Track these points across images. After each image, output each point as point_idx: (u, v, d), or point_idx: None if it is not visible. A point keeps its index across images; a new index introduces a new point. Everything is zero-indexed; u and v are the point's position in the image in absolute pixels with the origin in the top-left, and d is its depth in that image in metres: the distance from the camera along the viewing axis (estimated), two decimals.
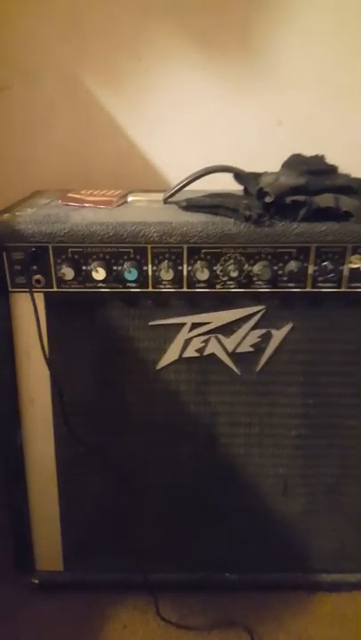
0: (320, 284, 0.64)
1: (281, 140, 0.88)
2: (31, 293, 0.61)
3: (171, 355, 0.68)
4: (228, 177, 0.70)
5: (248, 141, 0.88)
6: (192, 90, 0.88)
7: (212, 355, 0.68)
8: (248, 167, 0.70)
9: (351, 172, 0.71)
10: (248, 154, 0.80)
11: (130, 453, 0.72)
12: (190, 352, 0.68)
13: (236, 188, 0.70)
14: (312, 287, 0.64)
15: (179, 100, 0.88)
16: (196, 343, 0.68)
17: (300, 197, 0.59)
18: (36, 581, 0.77)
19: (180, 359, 0.68)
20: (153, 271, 0.62)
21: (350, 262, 0.63)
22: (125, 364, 0.68)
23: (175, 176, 0.73)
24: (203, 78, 0.87)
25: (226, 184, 0.71)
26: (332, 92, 0.89)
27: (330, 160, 0.70)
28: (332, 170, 0.69)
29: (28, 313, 0.62)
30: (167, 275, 0.61)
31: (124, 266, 0.61)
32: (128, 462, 0.72)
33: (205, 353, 0.68)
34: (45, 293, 0.63)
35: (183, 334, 0.67)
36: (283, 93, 0.90)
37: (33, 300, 0.61)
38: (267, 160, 0.72)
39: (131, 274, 0.60)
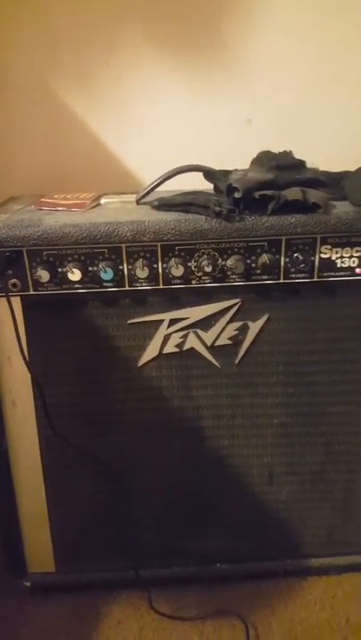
0: (293, 275, 0.66)
1: (251, 138, 0.89)
2: (8, 298, 0.61)
3: (151, 351, 0.69)
4: (200, 176, 0.72)
5: (219, 141, 0.90)
6: (163, 92, 0.89)
7: (192, 349, 0.69)
8: (219, 166, 0.72)
9: (320, 167, 0.73)
10: (219, 153, 0.82)
11: (116, 451, 0.73)
12: (170, 348, 0.69)
13: (208, 186, 0.71)
14: (285, 278, 0.66)
15: (150, 102, 0.89)
16: (176, 339, 0.69)
17: (269, 192, 0.61)
18: (28, 584, 0.78)
19: (161, 355, 0.69)
20: (128, 270, 0.63)
21: (321, 252, 0.65)
22: (107, 362, 0.69)
23: (149, 177, 0.74)
24: (173, 80, 0.88)
25: (198, 183, 0.72)
26: (301, 90, 0.91)
27: (299, 156, 0.72)
28: (300, 164, 0.71)
29: (6, 317, 0.62)
30: (142, 273, 0.62)
31: (100, 266, 0.62)
32: (115, 460, 0.73)
33: (185, 348, 0.69)
34: (22, 297, 0.64)
35: (162, 330, 0.68)
36: (252, 93, 0.92)
37: (10, 304, 0.61)
38: (237, 158, 0.74)
39: (107, 274, 0.61)
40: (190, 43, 0.87)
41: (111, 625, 0.73)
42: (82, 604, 0.77)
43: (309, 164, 0.73)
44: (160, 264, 0.63)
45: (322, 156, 0.73)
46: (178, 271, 0.63)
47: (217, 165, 0.72)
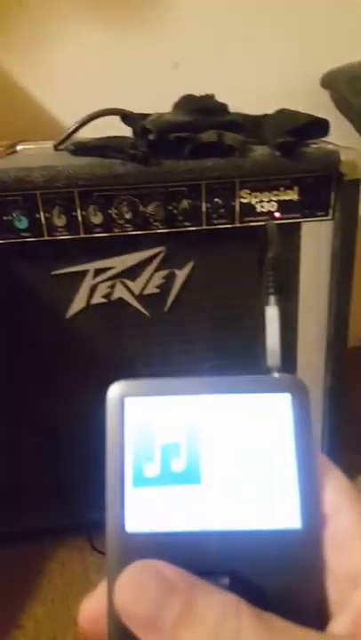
0: (215, 221, 0.66)
1: (178, 82, 0.87)
2: None
3: (79, 303, 0.69)
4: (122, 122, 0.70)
5: (145, 85, 0.87)
6: (84, 35, 0.85)
7: (120, 299, 0.70)
8: (145, 111, 0.70)
9: (246, 111, 0.73)
10: (145, 98, 0.80)
11: (48, 403, 0.73)
12: (98, 298, 0.69)
13: (128, 132, 0.70)
14: (207, 225, 0.66)
15: (71, 46, 0.85)
16: (103, 289, 0.69)
17: (183, 134, 0.60)
18: None
19: (89, 306, 0.69)
20: (46, 218, 0.62)
21: (240, 197, 0.65)
22: (34, 315, 0.69)
23: (69, 125, 0.72)
24: (95, 23, 0.84)
25: (122, 130, 0.71)
26: (229, 34, 0.89)
27: (225, 100, 0.72)
28: (222, 108, 0.71)
29: None
30: (60, 221, 0.61)
31: (14, 215, 0.60)
32: (47, 413, 0.74)
33: (113, 298, 0.69)
34: None
35: (88, 281, 0.68)
36: (179, 36, 0.89)
37: None
38: (166, 104, 0.72)
39: (21, 222, 0.60)
40: None
41: (56, 567, 0.76)
42: (26, 551, 0.79)
43: (233, 109, 0.73)
44: (79, 211, 0.62)
45: (249, 100, 0.73)
46: (97, 218, 0.62)
47: (142, 110, 0.70)
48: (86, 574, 0.76)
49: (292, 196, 0.66)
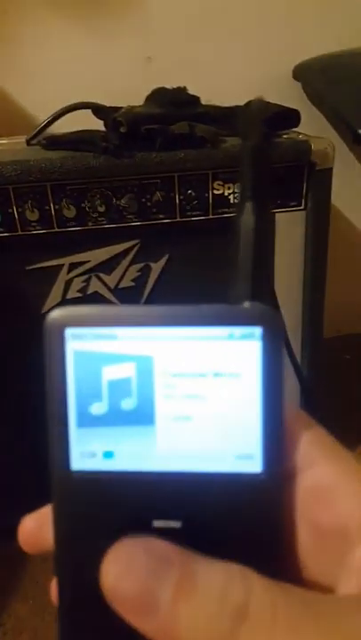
0: (189, 213, 0.66)
1: (150, 76, 0.87)
2: None
3: (54, 298, 0.68)
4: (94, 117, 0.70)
5: (117, 79, 0.87)
6: (57, 30, 0.84)
7: (96, 293, 0.69)
8: (118, 105, 0.70)
9: (218, 104, 0.73)
10: (117, 92, 0.79)
11: (23, 400, 0.73)
12: (73, 293, 0.69)
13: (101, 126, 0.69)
14: (181, 217, 0.66)
15: (43, 40, 0.84)
16: (78, 283, 0.68)
17: (155, 126, 0.60)
18: None
19: (65, 301, 0.69)
20: (19, 213, 0.61)
21: (214, 189, 0.65)
22: (9, 311, 0.68)
23: (42, 120, 0.71)
24: (67, 17, 0.84)
25: (94, 124, 0.70)
26: (200, 28, 0.89)
27: (198, 93, 0.72)
28: (194, 100, 0.71)
29: None
30: (33, 215, 0.61)
31: None
32: (24, 407, 0.73)
33: (88, 292, 0.69)
34: None
35: (63, 276, 0.68)
36: (151, 30, 0.89)
37: None
38: (136, 97, 0.72)
39: None
40: None
41: (37, 564, 0.76)
42: (8, 549, 0.78)
43: (205, 101, 0.73)
44: (52, 205, 0.62)
45: (221, 92, 0.73)
46: (70, 212, 0.62)
47: (114, 104, 0.70)
48: None
49: None
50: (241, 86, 0.83)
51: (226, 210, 0.67)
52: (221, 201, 0.66)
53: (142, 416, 0.18)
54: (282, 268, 0.71)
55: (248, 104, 0.70)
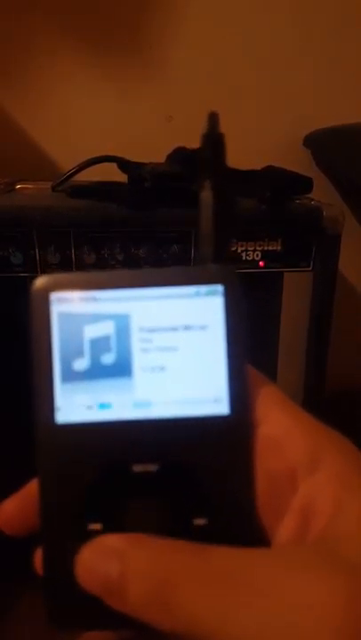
0: None
1: (170, 134, 0.92)
2: None
3: None
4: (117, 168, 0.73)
5: (138, 136, 0.92)
6: (86, 86, 0.90)
7: None
8: (138, 159, 0.74)
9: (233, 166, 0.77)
10: (138, 148, 0.84)
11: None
12: None
13: (124, 178, 0.73)
14: None
15: (73, 95, 0.90)
16: None
17: (178, 184, 0.64)
18: None
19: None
20: (40, 255, 0.64)
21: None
22: (24, 347, 0.69)
23: (68, 167, 0.75)
24: (96, 76, 0.89)
25: (117, 175, 0.74)
26: (219, 93, 0.95)
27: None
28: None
29: None
30: (54, 258, 0.63)
31: (9, 250, 0.62)
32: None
33: None
34: None
35: None
36: (173, 89, 0.95)
37: None
38: (158, 153, 0.76)
39: (16, 257, 0.62)
40: (109, 38, 0.89)
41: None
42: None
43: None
44: (73, 250, 0.64)
45: (236, 155, 0.77)
46: (90, 258, 0.64)
47: (136, 159, 0.74)
48: None
49: (276, 246, 0.70)
50: (254, 150, 0.88)
51: (238, 266, 0.70)
52: (234, 257, 0.69)
53: (121, 369, 0.20)
54: (288, 325, 0.73)
55: (266, 169, 0.74)
